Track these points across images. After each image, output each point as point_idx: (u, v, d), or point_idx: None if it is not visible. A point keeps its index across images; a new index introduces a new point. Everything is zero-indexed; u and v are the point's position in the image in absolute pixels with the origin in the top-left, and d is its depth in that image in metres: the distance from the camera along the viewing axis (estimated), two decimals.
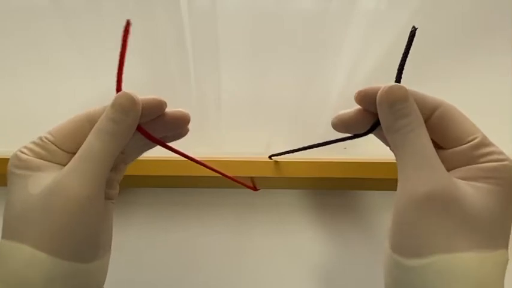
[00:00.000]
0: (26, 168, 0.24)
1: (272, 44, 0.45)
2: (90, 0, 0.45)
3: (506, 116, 0.44)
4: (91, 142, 0.24)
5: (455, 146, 0.23)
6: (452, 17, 0.44)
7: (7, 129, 0.46)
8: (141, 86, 0.45)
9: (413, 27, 0.26)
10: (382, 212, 0.44)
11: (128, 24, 0.26)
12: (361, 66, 0.44)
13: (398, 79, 0.26)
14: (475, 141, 0.23)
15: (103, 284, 0.27)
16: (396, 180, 0.41)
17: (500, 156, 0.22)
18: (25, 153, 0.24)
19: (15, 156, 0.24)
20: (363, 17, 0.44)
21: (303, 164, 0.41)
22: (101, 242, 0.25)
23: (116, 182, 0.28)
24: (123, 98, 0.24)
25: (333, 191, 0.44)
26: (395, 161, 0.41)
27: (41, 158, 0.24)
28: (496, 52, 0.44)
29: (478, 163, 0.22)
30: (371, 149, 0.44)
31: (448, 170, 0.22)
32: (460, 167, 0.23)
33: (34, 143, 0.25)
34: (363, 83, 0.44)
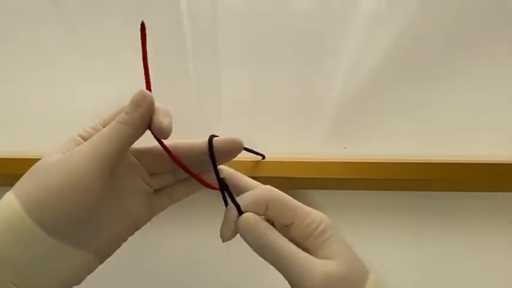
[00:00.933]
0: (57, 147, 0.26)
1: (272, 44, 0.45)
2: (90, 0, 0.45)
3: (507, 116, 0.44)
4: (103, 130, 0.25)
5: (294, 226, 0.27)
6: (452, 17, 0.44)
7: (7, 130, 0.46)
8: (141, 86, 0.45)
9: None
10: (382, 211, 0.44)
11: (143, 26, 0.27)
12: (361, 66, 0.44)
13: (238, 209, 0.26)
14: (305, 221, 0.27)
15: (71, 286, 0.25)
16: (396, 180, 0.41)
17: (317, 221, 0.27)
18: (81, 135, 0.27)
19: (72, 136, 0.26)
20: (363, 17, 0.44)
21: (302, 164, 0.41)
22: (90, 230, 0.25)
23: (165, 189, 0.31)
24: (136, 93, 0.26)
25: (332, 191, 0.44)
26: (395, 161, 0.42)
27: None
28: (496, 52, 0.44)
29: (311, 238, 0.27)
30: (371, 149, 0.44)
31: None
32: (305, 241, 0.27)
33: (91, 127, 0.27)
34: (363, 83, 0.44)
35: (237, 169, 0.39)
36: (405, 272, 0.44)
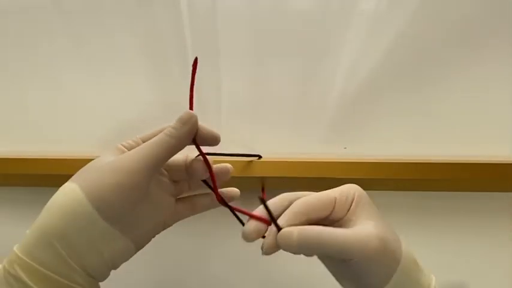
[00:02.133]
0: (113, 149, 0.30)
1: (272, 44, 0.45)
2: (90, 1, 0.45)
3: (506, 116, 0.44)
4: (153, 139, 0.30)
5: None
6: (452, 17, 0.44)
7: (7, 130, 0.46)
8: (141, 86, 0.46)
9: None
10: (382, 211, 0.44)
11: (196, 61, 0.32)
12: (361, 66, 0.44)
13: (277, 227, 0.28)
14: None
15: (109, 270, 0.29)
16: (396, 180, 0.41)
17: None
18: (124, 145, 0.31)
19: (115, 146, 0.30)
20: (363, 17, 0.44)
21: (302, 164, 0.41)
22: (134, 221, 0.29)
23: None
24: (184, 113, 0.30)
25: None
26: (395, 161, 0.42)
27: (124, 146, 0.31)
28: (496, 52, 0.44)
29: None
30: (371, 149, 0.44)
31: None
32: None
33: (131, 140, 0.31)
34: (363, 83, 0.44)
35: (237, 169, 0.39)
36: None
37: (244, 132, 0.45)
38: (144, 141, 0.31)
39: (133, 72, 0.45)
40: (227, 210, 0.32)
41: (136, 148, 0.29)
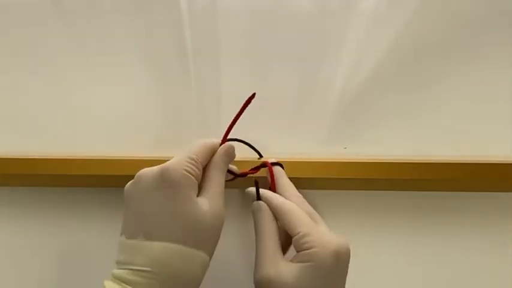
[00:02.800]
0: (192, 185, 0.31)
1: (272, 44, 0.45)
2: (90, 0, 0.45)
3: (506, 116, 0.44)
4: (218, 177, 0.34)
5: (293, 236, 0.33)
6: (452, 17, 0.44)
7: (7, 130, 0.46)
8: (141, 86, 0.46)
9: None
10: (382, 212, 0.44)
11: (253, 96, 0.36)
12: (361, 66, 0.44)
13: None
14: (298, 235, 0.32)
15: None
16: (396, 180, 0.41)
17: (313, 244, 0.31)
18: (189, 172, 0.31)
19: (183, 173, 0.30)
20: (363, 17, 0.44)
21: (302, 164, 0.41)
22: (213, 239, 0.33)
23: None
24: (231, 149, 0.35)
25: (332, 191, 0.44)
26: (395, 161, 0.42)
27: (193, 175, 0.31)
28: (497, 52, 0.44)
29: (300, 250, 0.32)
30: (371, 149, 0.44)
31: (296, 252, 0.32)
32: (296, 251, 0.32)
33: (190, 162, 0.32)
34: (363, 83, 0.44)
35: (238, 169, 0.39)
36: (406, 272, 0.44)
37: (244, 132, 0.45)
38: (197, 160, 0.32)
39: (133, 71, 0.45)
40: None
41: (216, 194, 0.33)
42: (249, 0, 0.44)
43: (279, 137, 0.45)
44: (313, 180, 0.41)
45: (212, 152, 0.34)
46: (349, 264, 0.32)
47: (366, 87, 0.44)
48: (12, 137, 0.46)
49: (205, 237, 0.30)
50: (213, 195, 0.32)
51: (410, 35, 0.44)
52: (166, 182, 0.30)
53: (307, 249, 0.31)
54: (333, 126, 0.44)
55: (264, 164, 0.39)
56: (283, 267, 0.31)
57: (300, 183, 0.42)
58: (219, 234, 0.32)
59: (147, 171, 0.31)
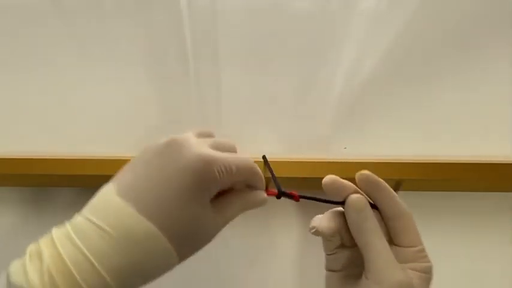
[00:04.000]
0: (213, 182, 0.28)
1: (272, 44, 0.45)
2: (90, 0, 0.45)
3: (507, 116, 0.44)
4: (239, 208, 0.31)
5: (409, 247, 0.33)
6: (452, 17, 0.44)
7: (7, 130, 0.46)
8: (141, 86, 0.46)
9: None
10: None
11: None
12: (361, 66, 0.44)
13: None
14: (419, 247, 0.33)
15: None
16: (396, 180, 0.41)
17: (429, 259, 0.33)
18: (219, 171, 0.28)
19: (211, 169, 0.27)
20: (362, 16, 0.44)
21: (301, 164, 0.41)
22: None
23: None
24: (264, 203, 0.33)
25: None
26: (395, 161, 0.42)
27: (220, 178, 0.28)
28: (497, 52, 0.44)
29: (419, 262, 0.32)
30: (371, 149, 0.44)
31: (400, 261, 0.32)
32: (408, 262, 0.32)
33: (226, 168, 0.28)
34: (363, 83, 0.44)
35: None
36: None
37: (244, 132, 0.45)
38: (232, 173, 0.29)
39: (133, 72, 0.45)
40: None
41: (232, 217, 0.31)
42: (249, 0, 0.44)
43: (279, 137, 0.45)
44: (313, 180, 0.41)
45: (246, 179, 0.32)
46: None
47: (366, 87, 0.44)
48: (12, 137, 0.46)
49: (189, 240, 0.27)
50: (229, 217, 0.30)
51: (410, 35, 0.44)
52: (189, 168, 0.27)
53: (426, 263, 0.32)
54: (333, 126, 0.44)
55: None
56: (410, 274, 0.31)
57: (299, 183, 0.42)
58: (205, 244, 0.29)
59: (183, 143, 0.29)
